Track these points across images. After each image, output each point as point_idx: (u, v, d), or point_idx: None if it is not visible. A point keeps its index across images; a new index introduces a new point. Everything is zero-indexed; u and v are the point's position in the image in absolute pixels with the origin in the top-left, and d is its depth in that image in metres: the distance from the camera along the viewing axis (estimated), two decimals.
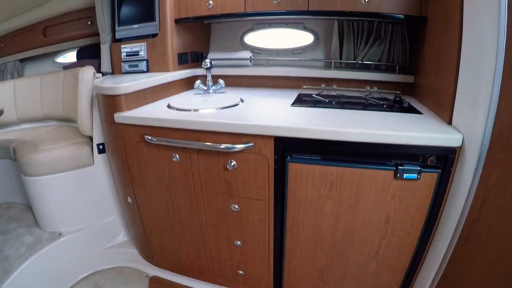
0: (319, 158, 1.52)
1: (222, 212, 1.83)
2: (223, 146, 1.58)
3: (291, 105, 1.88)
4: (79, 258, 2.56)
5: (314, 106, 1.86)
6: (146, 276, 2.44)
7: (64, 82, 3.11)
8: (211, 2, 2.21)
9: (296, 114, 1.69)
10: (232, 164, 1.61)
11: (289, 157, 1.54)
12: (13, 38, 3.79)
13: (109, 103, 1.91)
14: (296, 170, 1.55)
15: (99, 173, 2.50)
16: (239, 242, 1.89)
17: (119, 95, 1.85)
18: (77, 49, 3.40)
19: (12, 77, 3.86)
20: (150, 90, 2.06)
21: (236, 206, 1.76)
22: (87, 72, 2.34)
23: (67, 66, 3.34)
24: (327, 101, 1.95)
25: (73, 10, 3.29)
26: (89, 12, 3.02)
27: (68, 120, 3.20)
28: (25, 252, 2.38)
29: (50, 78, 3.31)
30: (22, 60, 3.93)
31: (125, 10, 2.54)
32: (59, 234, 2.52)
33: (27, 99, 3.41)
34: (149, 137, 1.73)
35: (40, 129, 3.25)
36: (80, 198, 2.54)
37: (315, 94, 2.15)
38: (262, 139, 1.55)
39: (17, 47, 3.80)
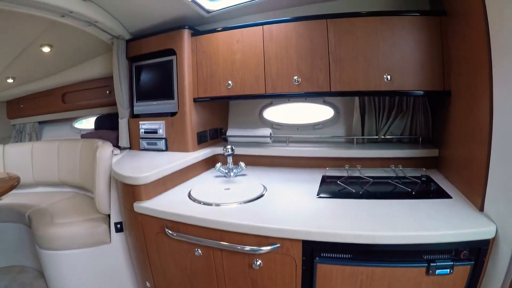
0: (348, 257, 1.39)
1: None
2: (248, 248, 1.45)
3: (317, 196, 1.75)
4: None
5: (341, 197, 1.72)
6: None
7: (81, 151, 3.05)
8: (230, 82, 2.15)
9: (324, 210, 1.55)
10: (258, 263, 1.48)
11: (317, 258, 1.41)
12: (33, 100, 3.78)
13: (128, 191, 1.82)
14: (325, 270, 1.42)
15: (116, 252, 2.37)
16: None
17: (138, 185, 1.76)
18: (96, 117, 3.35)
19: (30, 138, 3.84)
20: (171, 175, 1.96)
21: None
22: (105, 150, 2.27)
23: (85, 135, 3.28)
24: (353, 191, 1.79)
25: (92, 79, 3.27)
26: (108, 81, 2.98)
27: (85, 189, 3.10)
28: None
29: (67, 145, 3.27)
30: (40, 122, 3.92)
31: (144, 85, 2.50)
32: None
33: (44, 163, 3.35)
34: (169, 231, 1.62)
35: (56, 195, 3.18)
36: (96, 276, 2.41)
37: (341, 181, 1.96)
38: (290, 241, 1.42)
39: (36, 109, 3.79)
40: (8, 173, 3.14)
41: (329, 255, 1.41)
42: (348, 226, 1.36)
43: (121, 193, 2.01)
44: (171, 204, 1.71)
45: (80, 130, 3.73)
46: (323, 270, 1.41)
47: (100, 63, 3.12)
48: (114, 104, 2.72)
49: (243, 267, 1.54)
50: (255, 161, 2.42)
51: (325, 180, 2.01)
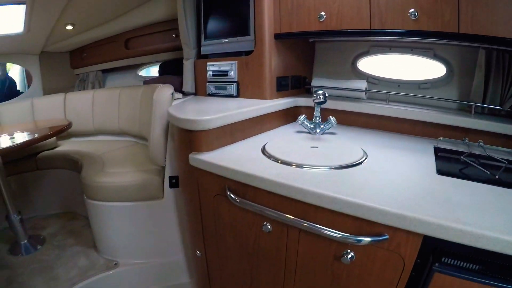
0: (478, 269, 0.81)
1: None
2: (339, 235, 0.93)
3: (437, 173, 1.13)
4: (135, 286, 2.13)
5: (471, 179, 1.07)
6: None
7: (142, 98, 2.70)
8: (323, 13, 1.53)
9: (455, 197, 0.93)
10: (349, 256, 0.95)
11: (437, 264, 0.84)
12: (95, 49, 3.51)
13: (185, 138, 1.34)
14: (442, 283, 0.84)
15: (168, 209, 2.02)
16: None
17: (197, 131, 1.27)
18: (160, 63, 3.00)
19: (93, 87, 3.58)
20: (240, 124, 1.44)
21: None
22: (164, 91, 1.85)
23: (147, 81, 2.94)
24: (488, 172, 1.18)
25: (156, 22, 2.89)
26: (174, 24, 2.53)
27: (144, 139, 2.78)
28: (75, 276, 2.07)
29: (129, 91, 2.95)
30: (104, 71, 3.66)
31: (213, 22, 2.00)
32: (115, 264, 2.13)
33: (105, 111, 3.09)
34: (232, 196, 1.13)
35: (114, 143, 2.92)
36: (145, 232, 2.10)
37: (465, 158, 1.32)
38: (406, 234, 0.87)
39: (99, 57, 3.52)
40: (62, 119, 2.95)
41: (454, 264, 0.84)
42: (498, 229, 0.77)
43: (177, 141, 1.55)
44: (238, 159, 1.20)
45: (144, 77, 3.42)
46: (440, 282, 0.84)
47: (164, 3, 2.69)
48: (180, 48, 2.29)
49: (326, 257, 1.03)
50: (346, 119, 1.80)
51: (439, 154, 1.39)
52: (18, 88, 4.16)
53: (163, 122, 1.83)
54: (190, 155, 1.28)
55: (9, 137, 2.25)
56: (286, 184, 1.00)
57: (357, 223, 0.92)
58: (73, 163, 2.63)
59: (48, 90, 3.63)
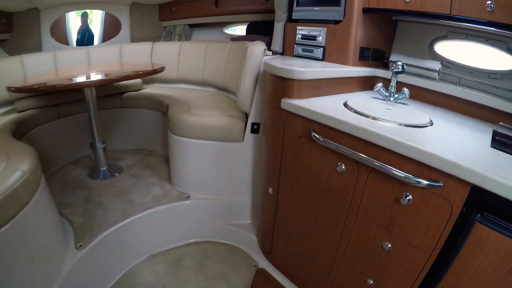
0: None
1: (369, 245, 1.44)
2: (402, 174, 1.18)
3: (490, 146, 1.33)
4: (197, 224, 2.51)
5: None
6: (255, 265, 2.24)
7: (230, 53, 3.01)
8: None
9: (501, 162, 1.15)
10: (407, 199, 1.21)
11: (479, 215, 1.07)
12: (184, 4, 3.82)
13: (279, 86, 1.64)
14: (481, 234, 1.07)
15: (245, 152, 2.35)
16: (371, 282, 1.48)
17: (292, 79, 1.56)
18: (248, 23, 3.26)
19: (180, 40, 3.91)
20: (326, 81, 1.72)
21: (389, 245, 1.35)
22: (257, 47, 2.13)
23: (235, 38, 3.26)
24: None
25: None
26: None
27: (226, 90, 3.14)
28: (149, 201, 2.42)
29: (216, 46, 3.26)
30: (191, 26, 3.96)
31: None
32: (187, 196, 2.49)
33: (190, 62, 3.44)
34: (316, 136, 1.42)
35: (196, 92, 3.27)
36: (219, 170, 2.46)
37: None
38: (456, 182, 1.10)
39: (187, 13, 3.83)
40: (154, 63, 3.37)
41: (494, 218, 1.06)
42: None
43: (269, 88, 1.85)
44: (323, 108, 1.48)
45: (230, 35, 3.70)
46: (478, 232, 1.07)
47: None
48: (268, 11, 2.62)
49: (387, 198, 1.29)
50: (418, 95, 2.01)
51: (496, 137, 1.59)
52: (95, 42, 4.66)
53: (254, 74, 2.13)
54: (283, 100, 1.58)
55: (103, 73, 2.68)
56: (365, 128, 1.27)
57: (418, 168, 1.17)
58: (158, 104, 3.03)
59: (135, 38, 4.07)
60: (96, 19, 4.61)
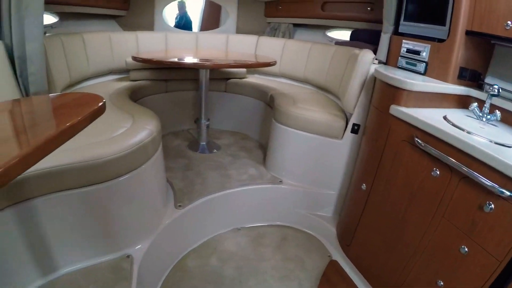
0: None
1: (447, 247, 1.65)
2: (489, 183, 1.40)
3: None
4: (283, 208, 2.83)
5: None
6: (329, 256, 2.51)
7: (334, 56, 3.29)
8: (509, 22, 1.90)
9: None
10: (490, 207, 1.43)
11: None
12: (290, 4, 4.15)
13: (388, 93, 1.95)
14: None
15: (342, 149, 2.61)
16: (442, 283, 1.67)
17: (402, 89, 1.87)
18: (351, 30, 3.51)
19: (283, 37, 4.27)
20: (429, 95, 2.00)
21: (466, 249, 1.54)
22: (368, 55, 2.43)
23: (340, 43, 3.52)
24: None
25: None
26: None
27: (326, 90, 3.43)
28: (246, 179, 2.76)
29: (320, 47, 3.57)
30: (294, 25, 4.29)
31: (413, 6, 2.47)
32: (280, 181, 2.79)
33: (293, 59, 3.78)
34: (419, 141, 1.70)
35: (297, 88, 3.62)
36: (313, 162, 2.73)
37: None
38: None
39: (293, 12, 4.16)
40: (258, 55, 3.76)
41: None
42: None
43: (378, 93, 2.17)
44: (426, 118, 1.75)
45: (332, 39, 3.95)
46: None
47: None
48: (373, 21, 2.94)
49: (472, 205, 1.51)
50: (509, 119, 2.11)
51: None
52: (192, 29, 5.15)
53: (362, 79, 2.41)
54: (392, 106, 1.89)
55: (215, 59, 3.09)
56: (463, 139, 1.52)
57: (504, 180, 1.38)
58: (261, 94, 3.45)
59: (240, 30, 4.56)
60: (195, 7, 5.15)
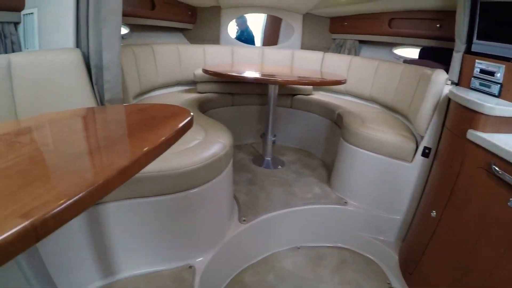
0: None
1: None
2: None
3: None
4: (345, 230, 2.81)
5: None
6: (388, 284, 2.47)
7: (403, 74, 3.26)
8: None
9: None
10: None
11: None
12: (356, 20, 4.18)
13: (465, 116, 1.91)
14: None
15: (411, 173, 2.55)
16: None
17: (481, 113, 1.82)
18: (419, 47, 3.48)
19: (349, 53, 4.30)
20: (506, 119, 1.93)
21: None
22: (441, 76, 2.40)
23: (408, 61, 3.49)
24: None
25: (422, 9, 3.35)
26: (438, 15, 3.07)
27: (393, 110, 3.39)
28: (310, 198, 2.79)
29: (387, 66, 3.56)
30: (360, 41, 4.30)
31: (486, 23, 2.38)
32: (345, 202, 2.79)
33: (359, 77, 3.80)
34: (497, 168, 1.65)
35: (363, 106, 3.62)
36: (380, 184, 2.70)
37: None
38: None
39: (359, 29, 4.19)
40: (323, 72, 3.79)
41: None
42: None
43: (453, 116, 2.12)
44: (505, 144, 1.68)
45: (399, 56, 3.90)
46: None
47: None
48: (442, 38, 2.86)
49: None
50: None
51: None
52: (254, 42, 5.31)
53: (435, 100, 2.37)
54: (469, 131, 1.84)
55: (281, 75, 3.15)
56: None
57: None
58: (327, 111, 3.48)
59: (304, 46, 4.66)
60: (257, 23, 5.28)
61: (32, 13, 2.34)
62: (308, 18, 4.59)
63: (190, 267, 2.00)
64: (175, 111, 1.28)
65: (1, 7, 2.23)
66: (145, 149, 0.86)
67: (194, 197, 1.94)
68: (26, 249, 0.53)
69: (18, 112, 1.91)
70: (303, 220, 2.73)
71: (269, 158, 3.40)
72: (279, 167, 3.36)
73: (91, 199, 0.65)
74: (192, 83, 3.81)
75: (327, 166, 3.40)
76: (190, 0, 4.16)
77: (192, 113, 1.19)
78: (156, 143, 0.91)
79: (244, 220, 2.44)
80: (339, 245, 2.84)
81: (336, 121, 3.28)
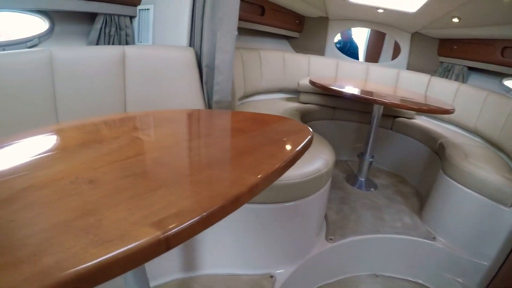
0: None
1: None
2: None
3: None
4: (427, 266, 2.75)
5: None
6: None
7: None
8: None
9: None
10: None
11: None
12: (467, 45, 4.07)
13: None
14: None
15: (508, 218, 2.45)
16: None
17: None
18: None
19: (456, 80, 4.21)
20: None
21: None
22: None
23: None
24: None
25: None
26: None
27: (497, 147, 3.30)
28: (399, 227, 2.78)
29: (497, 98, 3.47)
30: (469, 68, 4.19)
31: None
32: (434, 237, 2.74)
33: (464, 106, 3.70)
34: None
35: (466, 139, 3.53)
36: (472, 224, 2.61)
37: None
38: None
39: (469, 54, 4.07)
40: (428, 96, 3.75)
41: None
42: None
43: None
44: None
45: (510, 89, 3.75)
46: None
47: None
48: None
49: None
50: None
51: None
52: (358, 56, 5.35)
53: None
54: None
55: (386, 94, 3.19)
56: None
57: None
58: (428, 139, 3.44)
59: (410, 66, 4.63)
60: (359, 35, 5.29)
61: (148, 9, 2.62)
62: (417, 37, 4.55)
63: (271, 276, 2.07)
64: (295, 127, 1.35)
65: (120, 1, 2.53)
66: (276, 166, 0.88)
67: (289, 210, 2.01)
68: (155, 257, 0.56)
69: (127, 103, 2.13)
70: (387, 248, 2.73)
71: (363, 179, 3.43)
72: (372, 189, 3.38)
73: (223, 213, 0.68)
74: (294, 92, 3.95)
75: (420, 196, 3.36)
76: (298, 9, 4.29)
77: (312, 132, 1.21)
78: (283, 161, 0.93)
79: (331, 239, 2.48)
80: (419, 281, 2.78)
81: (437, 151, 3.23)
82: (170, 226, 0.58)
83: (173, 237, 0.57)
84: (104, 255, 0.51)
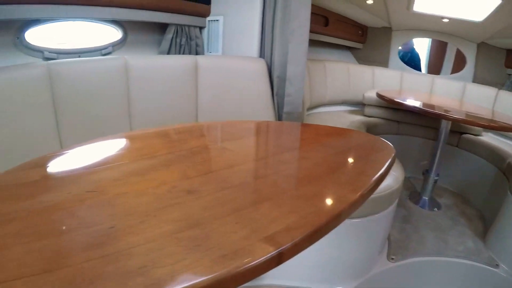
0: None
1: None
2: None
3: None
4: None
5: None
6: None
7: None
8: None
9: None
10: None
11: None
12: None
13: None
14: None
15: None
16: None
17: None
18: None
19: None
20: None
21: None
22: None
23: None
24: None
25: None
26: None
27: None
28: (462, 251, 2.69)
29: None
30: None
31: None
32: (497, 265, 2.62)
33: None
34: None
35: None
36: None
37: None
38: None
39: None
40: (495, 112, 3.64)
41: None
42: None
43: None
44: None
45: None
46: None
47: None
48: None
49: None
50: None
51: None
52: (421, 67, 5.18)
53: None
54: None
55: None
56: None
57: None
58: (496, 157, 3.29)
59: (477, 79, 4.46)
60: (420, 45, 5.16)
61: (217, 20, 2.73)
62: (483, 48, 4.36)
63: None
64: (377, 144, 1.35)
65: (190, 12, 2.62)
66: (368, 184, 0.90)
67: (356, 226, 2.01)
68: (265, 273, 0.57)
69: (198, 111, 2.22)
70: (448, 272, 2.65)
71: (427, 198, 3.34)
72: (435, 209, 3.32)
73: (327, 229, 0.70)
74: (358, 104, 3.93)
75: (484, 219, 3.25)
76: (362, 19, 4.27)
77: (394, 151, 1.23)
78: (373, 178, 0.94)
79: (392, 259, 2.44)
80: None
81: (505, 171, 3.09)
82: (283, 242, 0.59)
83: (285, 253, 0.58)
84: (219, 270, 0.52)
